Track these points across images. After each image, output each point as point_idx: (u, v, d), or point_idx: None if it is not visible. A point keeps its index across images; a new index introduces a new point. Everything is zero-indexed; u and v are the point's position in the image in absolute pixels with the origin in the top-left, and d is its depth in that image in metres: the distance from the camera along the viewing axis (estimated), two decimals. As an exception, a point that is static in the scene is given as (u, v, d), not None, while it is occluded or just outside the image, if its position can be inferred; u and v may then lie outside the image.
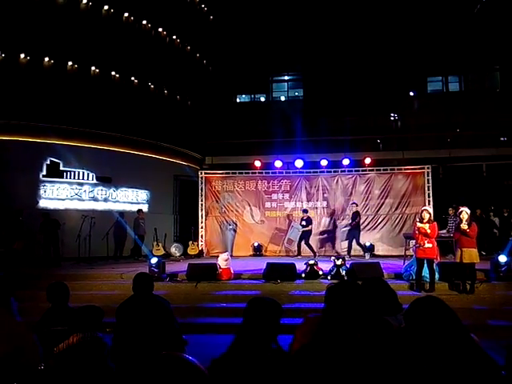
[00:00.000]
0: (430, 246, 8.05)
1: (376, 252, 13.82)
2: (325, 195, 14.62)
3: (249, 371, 2.09)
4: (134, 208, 14.66)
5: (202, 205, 14.86)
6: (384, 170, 14.61)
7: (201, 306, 8.04)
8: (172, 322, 4.16)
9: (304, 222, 13.31)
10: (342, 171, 14.72)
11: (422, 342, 1.95)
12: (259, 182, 14.91)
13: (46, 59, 13.62)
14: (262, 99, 23.61)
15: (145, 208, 15.21)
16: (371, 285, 2.77)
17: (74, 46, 13.81)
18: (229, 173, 15.17)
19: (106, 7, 14.88)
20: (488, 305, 7.62)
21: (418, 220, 8.46)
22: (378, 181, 14.41)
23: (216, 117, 20.47)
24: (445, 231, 11.58)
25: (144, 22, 16.08)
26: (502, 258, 8.63)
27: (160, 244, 13.72)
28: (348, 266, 9.15)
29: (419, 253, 8.15)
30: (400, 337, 2.27)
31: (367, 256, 12.88)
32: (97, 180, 14.38)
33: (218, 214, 14.93)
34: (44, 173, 13.49)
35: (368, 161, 14.60)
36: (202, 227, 14.82)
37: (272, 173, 15.02)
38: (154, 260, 9.35)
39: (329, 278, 9.03)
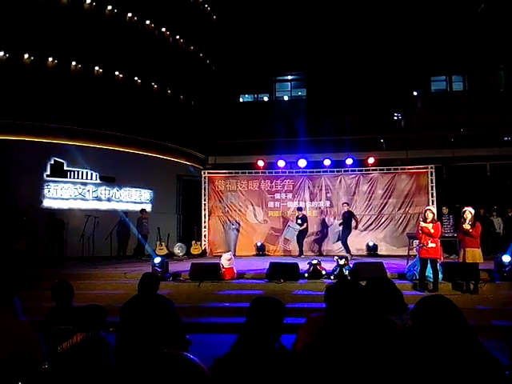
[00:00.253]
0: (434, 245, 8.02)
1: (379, 252, 13.80)
2: (328, 195, 14.61)
3: (252, 371, 2.09)
4: (138, 208, 14.70)
5: (205, 204, 14.87)
6: (387, 169, 14.58)
7: (204, 305, 8.05)
8: (176, 322, 4.16)
9: (300, 221, 13.31)
10: (345, 171, 14.71)
11: (428, 341, 1.94)
12: (262, 181, 14.91)
13: (50, 59, 13.67)
14: (265, 99, 23.61)
15: (148, 208, 15.24)
16: (376, 284, 2.77)
17: (78, 46, 13.85)
18: (232, 172, 15.18)
19: (109, 7, 14.91)
20: (492, 305, 7.59)
21: (421, 220, 8.44)
22: (381, 180, 14.38)
23: (219, 117, 20.49)
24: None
25: (147, 22, 16.11)
26: (506, 258, 8.60)
27: (163, 244, 13.75)
28: (351, 265, 9.14)
29: (422, 253, 8.13)
30: (404, 336, 2.27)
31: (349, 257, 12.47)
32: (100, 180, 14.42)
33: (221, 213, 14.94)
34: (48, 172, 13.54)
35: (371, 160, 14.58)
36: (205, 227, 14.83)
37: (275, 172, 15.02)
38: (157, 260, 9.36)
39: (332, 277, 9.02)
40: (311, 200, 14.63)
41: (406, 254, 11.21)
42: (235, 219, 14.79)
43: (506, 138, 19.65)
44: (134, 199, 15.32)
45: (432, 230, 7.99)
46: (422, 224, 8.16)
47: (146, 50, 15.66)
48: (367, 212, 14.36)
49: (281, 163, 14.88)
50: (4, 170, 12.69)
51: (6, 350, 2.65)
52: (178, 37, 17.39)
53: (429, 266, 8.18)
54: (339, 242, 13.56)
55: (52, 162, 13.58)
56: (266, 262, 9.75)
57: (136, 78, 15.68)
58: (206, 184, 14.93)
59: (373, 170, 14.56)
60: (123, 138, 14.85)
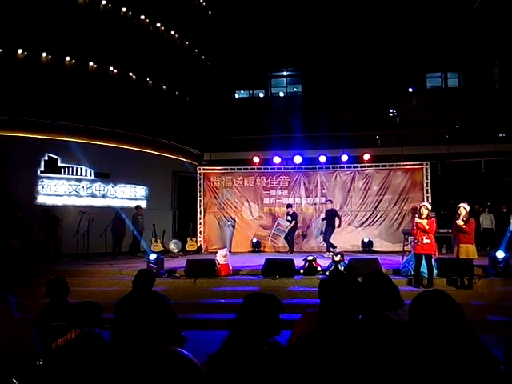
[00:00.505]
0: (429, 241, 8.06)
1: (374, 248, 13.83)
2: (323, 191, 14.61)
3: (245, 366, 2.09)
4: (133, 204, 14.65)
5: (200, 201, 14.84)
6: (383, 166, 14.61)
7: (199, 301, 8.05)
8: (171, 318, 4.16)
9: (289, 218, 13.32)
10: (340, 167, 14.72)
11: (426, 335, 1.95)
12: (258, 178, 14.89)
13: (44, 54, 13.56)
14: (261, 95, 23.57)
15: (143, 204, 15.20)
16: (373, 279, 2.77)
17: (72, 42, 13.75)
18: (227, 169, 15.15)
19: (103, 2, 14.80)
20: (486, 300, 7.64)
21: (416, 216, 8.47)
22: (376, 177, 14.41)
23: (215, 113, 20.44)
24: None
25: (142, 17, 16.00)
26: (500, 254, 8.65)
27: (158, 240, 13.72)
28: (346, 261, 9.16)
29: (417, 248, 8.17)
30: (400, 332, 2.27)
31: (328, 254, 11.99)
32: (95, 176, 14.36)
33: (216, 210, 14.91)
34: (42, 169, 13.46)
35: (367, 157, 14.60)
36: (200, 223, 14.81)
37: (271, 169, 15.00)
38: (152, 256, 9.34)
39: (327, 273, 9.04)
40: (307, 196, 14.64)
41: (401, 250, 11.25)
42: (231, 215, 14.77)
43: (500, 135, 19.74)
44: (128, 196, 15.27)
45: (427, 226, 8.02)
46: (417, 220, 8.19)
47: (141, 46, 15.56)
48: (362, 208, 14.39)
49: (276, 159, 14.87)
50: (-2, 166, 12.62)
51: (0, 347, 2.63)
52: (172, 32, 17.29)
53: (424, 261, 8.22)
54: (319, 238, 13.59)
55: (46, 158, 13.50)
56: (262, 259, 9.76)
57: (131, 74, 15.59)
58: (202, 180, 14.90)
59: (368, 166, 14.58)
60: (118, 134, 14.78)
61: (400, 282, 8.24)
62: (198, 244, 14.47)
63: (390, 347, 2.01)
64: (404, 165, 14.60)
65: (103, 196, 14.58)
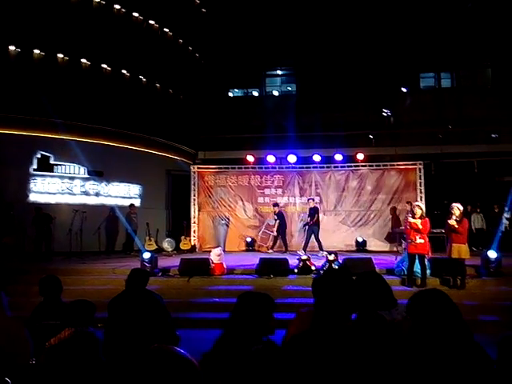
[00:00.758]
0: (422, 241, 8.10)
1: (368, 248, 13.88)
2: (318, 191, 14.64)
3: (239, 364, 2.09)
4: (126, 202, 14.59)
5: (194, 200, 14.82)
6: (376, 165, 14.66)
7: (193, 300, 8.05)
8: (165, 317, 4.15)
9: (275, 217, 13.34)
10: (334, 167, 14.76)
11: (423, 334, 1.96)
12: (252, 177, 14.89)
13: (37, 51, 13.46)
14: (255, 94, 23.54)
15: (137, 203, 15.14)
16: (366, 279, 2.77)
17: (65, 38, 13.65)
18: (221, 168, 15.13)
19: (97, -1, 14.72)
20: (478, 300, 7.69)
21: (410, 215, 8.51)
22: (370, 177, 14.46)
23: (209, 111, 20.39)
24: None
25: (135, 14, 15.92)
26: (492, 254, 8.71)
27: (152, 239, 13.69)
28: (340, 261, 9.19)
29: (411, 248, 8.21)
30: (394, 331, 2.28)
31: (323, 253, 11.95)
32: (88, 174, 14.28)
33: (210, 208, 14.90)
34: (34, 166, 13.37)
35: (361, 156, 14.65)
36: (194, 222, 14.79)
37: (265, 168, 15.01)
38: (146, 255, 9.32)
39: (321, 273, 9.05)
40: (301, 195, 14.66)
41: (395, 249, 11.30)
42: (225, 215, 14.76)
43: (493, 135, 19.84)
44: (122, 194, 15.19)
45: (420, 226, 8.06)
46: (411, 220, 8.22)
47: (134, 43, 15.48)
48: (356, 208, 14.44)
49: (271, 158, 14.87)
50: (-10, 164, 12.51)
51: (-8, 346, 2.61)
52: (166, 30, 17.22)
53: (417, 261, 8.25)
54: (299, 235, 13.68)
55: (39, 155, 13.40)
56: (256, 258, 9.77)
57: (124, 72, 15.51)
58: (196, 179, 14.88)
59: (362, 166, 14.63)
60: (111, 132, 14.70)
61: (393, 281, 8.27)
62: (192, 243, 14.45)
63: (383, 346, 2.02)
64: (398, 165, 14.66)
65: (96, 194, 14.51)
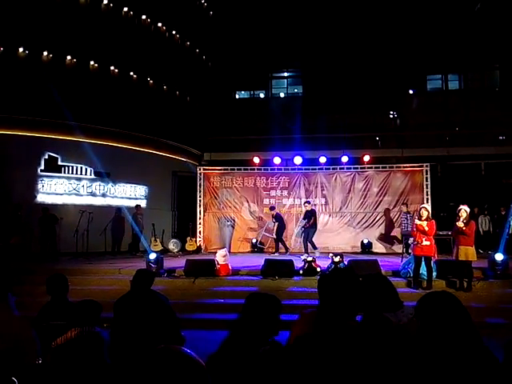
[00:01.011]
0: (428, 243, 8.07)
1: (374, 249, 13.85)
2: (323, 192, 14.63)
3: (246, 366, 2.10)
4: (132, 203, 14.65)
5: (200, 201, 14.85)
6: (383, 167, 14.62)
7: (198, 301, 8.06)
8: (170, 318, 4.16)
9: (273, 219, 13.34)
10: (340, 168, 14.73)
11: (431, 336, 1.96)
12: (258, 178, 14.90)
13: (45, 53, 13.56)
14: (262, 96, 23.55)
15: (143, 203, 15.20)
16: (372, 281, 2.77)
17: (73, 41, 13.74)
18: (227, 169, 15.16)
19: (105, 1, 14.80)
20: (485, 303, 7.65)
21: (416, 217, 8.48)
22: (376, 178, 14.42)
23: (215, 113, 20.43)
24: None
25: (143, 16, 16.00)
26: (499, 257, 8.66)
27: (158, 240, 13.73)
28: (346, 263, 9.17)
29: (417, 250, 8.18)
30: (399, 334, 2.28)
31: (317, 253, 12.09)
32: (95, 175, 14.36)
33: (216, 210, 14.92)
34: (42, 167, 13.45)
35: (367, 158, 14.61)
36: (200, 223, 14.81)
37: (271, 169, 15.01)
38: (152, 256, 9.34)
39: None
40: (307, 197, 14.63)
41: (401, 251, 11.25)
42: (230, 216, 14.78)
43: (500, 137, 19.72)
44: (128, 195, 15.26)
45: (426, 228, 8.03)
46: (417, 222, 8.19)
47: (142, 45, 15.56)
48: (362, 210, 14.40)
49: (276, 160, 14.88)
50: (-2, 165, 12.60)
51: (0, 345, 2.64)
52: (174, 32, 17.29)
53: (423, 263, 8.22)
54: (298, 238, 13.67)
55: (46, 156, 13.50)
56: (261, 259, 9.76)
57: (132, 74, 15.58)
58: (202, 180, 14.91)
59: (368, 167, 14.60)
60: (118, 134, 14.77)
61: (399, 283, 8.25)
62: (198, 244, 14.48)
63: (389, 349, 2.01)
64: (404, 166, 14.62)
65: (103, 195, 14.58)
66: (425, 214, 8.16)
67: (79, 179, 14.07)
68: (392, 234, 14.13)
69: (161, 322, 3.96)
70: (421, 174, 14.13)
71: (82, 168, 14.07)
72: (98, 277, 9.47)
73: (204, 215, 14.88)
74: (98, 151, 14.18)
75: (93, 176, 14.31)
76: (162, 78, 16.68)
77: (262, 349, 2.07)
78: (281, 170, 15.01)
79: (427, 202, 13.37)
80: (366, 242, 13.90)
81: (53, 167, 13.57)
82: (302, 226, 13.05)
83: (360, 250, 13.89)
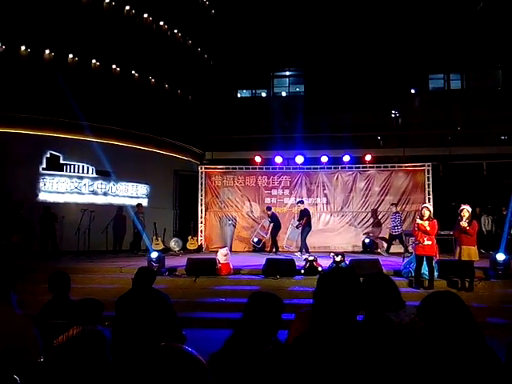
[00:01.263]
0: (430, 243, 8.05)
1: (375, 249, 13.83)
2: (325, 191, 14.62)
3: (250, 365, 2.09)
4: (134, 202, 14.64)
5: (201, 200, 14.85)
6: (384, 167, 14.60)
7: (200, 300, 8.05)
8: (171, 317, 4.16)
9: (269, 219, 13.34)
10: (342, 168, 14.72)
11: (434, 336, 1.95)
12: (259, 177, 14.89)
13: (47, 52, 13.57)
14: (263, 94, 23.56)
15: (144, 202, 15.20)
16: (374, 280, 2.76)
17: (75, 39, 13.75)
18: (229, 168, 15.15)
19: (107, 0, 14.81)
20: (487, 303, 7.63)
21: (417, 217, 8.47)
22: (378, 178, 14.41)
23: (217, 112, 20.43)
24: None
25: (145, 15, 16.01)
26: (500, 257, 8.65)
27: (159, 238, 13.72)
28: (347, 262, 9.16)
29: (418, 250, 8.17)
30: (401, 334, 2.27)
31: (300, 255, 11.93)
32: (97, 174, 14.36)
33: (217, 209, 14.93)
34: (44, 166, 13.46)
35: (368, 158, 14.60)
36: (201, 222, 14.82)
37: (272, 168, 15.00)
38: (154, 254, 9.34)
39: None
40: (308, 196, 14.63)
41: (402, 251, 11.24)
42: (231, 215, 14.78)
43: (502, 137, 19.69)
44: (130, 194, 15.26)
45: (428, 228, 8.02)
46: (419, 221, 8.18)
47: (144, 44, 15.56)
48: (364, 209, 14.39)
49: (278, 159, 14.86)
50: (0, 163, 12.61)
51: (2, 343, 2.64)
52: (176, 31, 17.29)
53: (424, 263, 8.21)
54: (289, 238, 13.70)
55: (48, 155, 13.50)
56: (262, 258, 9.76)
57: (133, 72, 15.59)
58: (203, 179, 14.91)
59: (370, 167, 14.58)
60: (120, 132, 14.78)
61: (401, 283, 8.24)
62: (199, 243, 14.48)
63: (391, 349, 2.01)
64: (406, 166, 14.60)
65: (105, 194, 14.59)
66: (426, 213, 8.15)
67: (81, 178, 14.08)
68: (381, 235, 14.12)
69: (162, 320, 3.96)
70: (422, 173, 14.12)
71: (83, 167, 14.08)
72: (100, 275, 9.47)
73: (205, 214, 14.88)
74: (100, 150, 14.18)
75: (94, 175, 14.32)
76: (163, 76, 16.68)
77: (265, 349, 2.07)
78: (282, 169, 14.99)
79: (429, 201, 13.36)
80: (367, 241, 13.89)
81: (55, 166, 13.58)
82: (296, 227, 13.04)
83: (361, 249, 13.88)
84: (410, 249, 12.53)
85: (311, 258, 9.31)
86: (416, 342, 2.08)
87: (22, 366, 2.59)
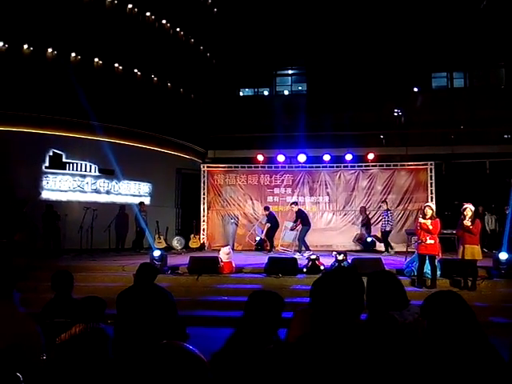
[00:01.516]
0: (432, 242, 8.03)
1: (377, 248, 13.81)
2: (327, 190, 14.60)
3: (251, 364, 2.09)
4: (136, 201, 14.66)
5: (204, 198, 14.86)
6: (387, 165, 14.58)
7: (202, 299, 8.07)
8: (174, 314, 4.16)
9: (266, 219, 13.31)
10: (344, 166, 14.70)
11: (437, 336, 1.95)
12: (261, 176, 14.89)
13: (50, 50, 13.58)
14: (266, 93, 23.53)
15: (147, 201, 15.21)
16: (380, 278, 2.75)
17: (78, 38, 13.76)
18: (231, 166, 15.15)
19: (109, -2, 14.83)
20: (489, 302, 7.61)
21: (420, 216, 8.45)
22: (380, 176, 14.38)
23: (219, 110, 20.41)
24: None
25: (148, 13, 16.00)
26: (503, 256, 8.62)
27: (162, 237, 13.75)
28: (349, 261, 9.15)
29: (421, 249, 8.15)
30: (405, 333, 2.27)
31: (299, 255, 11.72)
32: (99, 172, 14.38)
33: (219, 207, 14.93)
34: (47, 164, 13.49)
35: (371, 156, 14.57)
36: (203, 221, 14.83)
37: (274, 167, 15.00)
38: (156, 253, 9.36)
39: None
40: (310, 195, 14.63)
41: (405, 250, 11.23)
42: (234, 213, 14.78)
43: (505, 136, 19.62)
44: (132, 192, 15.29)
45: (430, 227, 7.99)
46: (421, 220, 8.17)
47: (146, 43, 15.56)
48: (366, 208, 14.36)
49: (280, 158, 14.86)
50: (3, 162, 12.63)
51: (4, 341, 2.64)
52: (178, 29, 17.29)
53: (427, 262, 8.19)
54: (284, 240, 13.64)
55: (51, 153, 13.53)
56: (265, 257, 9.77)
57: (136, 71, 15.60)
58: (205, 178, 14.92)
59: (372, 165, 14.56)
60: (123, 131, 14.79)
61: (403, 282, 8.13)
62: (201, 241, 14.50)
63: (395, 348, 2.00)
64: (408, 165, 14.57)
65: (107, 192, 14.61)
66: (429, 212, 8.13)
67: (83, 176, 14.10)
68: (372, 233, 14.11)
69: (164, 316, 3.96)
70: (425, 172, 14.08)
71: (86, 165, 14.10)
72: (102, 274, 9.49)
73: (208, 213, 14.89)
74: (103, 148, 14.20)
75: (97, 173, 14.35)
76: (166, 75, 16.68)
77: (267, 347, 2.07)
78: (285, 167, 14.98)
79: (431, 200, 13.33)
80: (369, 240, 13.87)
81: (57, 164, 13.61)
82: (290, 229, 13.01)
83: (363, 248, 13.86)
84: (391, 251, 12.58)
85: (313, 257, 9.31)
86: (419, 342, 2.08)
87: (24, 364, 2.59)
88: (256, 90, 23.73)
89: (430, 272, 8.20)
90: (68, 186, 13.80)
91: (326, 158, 14.64)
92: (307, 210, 14.35)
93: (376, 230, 14.08)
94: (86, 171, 14.12)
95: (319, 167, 14.81)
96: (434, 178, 13.92)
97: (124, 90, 14.82)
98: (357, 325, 1.95)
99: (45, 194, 13.39)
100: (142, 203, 14.24)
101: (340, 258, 9.12)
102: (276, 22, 20.05)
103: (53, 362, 2.44)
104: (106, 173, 14.46)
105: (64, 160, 13.72)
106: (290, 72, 23.57)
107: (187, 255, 10.72)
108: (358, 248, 13.92)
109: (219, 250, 9.93)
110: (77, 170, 13.95)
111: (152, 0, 16.00)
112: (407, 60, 19.70)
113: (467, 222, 7.72)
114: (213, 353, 2.32)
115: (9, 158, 12.72)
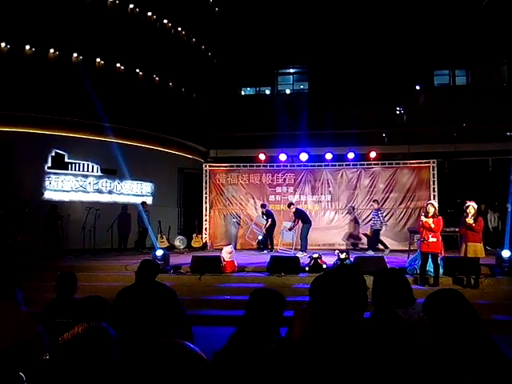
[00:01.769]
0: (435, 240, 8.02)
1: (380, 246, 13.78)
2: (329, 189, 14.59)
3: (253, 363, 2.09)
4: (139, 200, 14.67)
5: (206, 198, 14.86)
6: (389, 164, 14.55)
7: (204, 298, 8.08)
8: (178, 311, 4.15)
9: (265, 217, 13.29)
10: (346, 165, 14.68)
11: (440, 334, 1.95)
12: (263, 175, 14.88)
13: (51, 51, 13.61)
14: (267, 92, 23.51)
15: (149, 200, 15.23)
16: (386, 275, 2.74)
17: (79, 38, 13.77)
18: (233, 166, 15.15)
19: (111, -2, 14.84)
20: (492, 299, 7.60)
21: (422, 214, 8.44)
22: (382, 175, 14.36)
23: (221, 109, 20.42)
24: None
25: (149, 13, 16.01)
26: (506, 253, 8.61)
27: (164, 236, 13.77)
28: (352, 259, 9.15)
29: (423, 247, 8.14)
30: (410, 331, 2.26)
31: (302, 253, 11.77)
32: (101, 172, 14.41)
33: (222, 206, 14.93)
34: (49, 164, 13.52)
35: (373, 155, 14.54)
36: (206, 220, 14.83)
37: (276, 166, 14.99)
38: (159, 252, 9.38)
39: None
40: (312, 194, 14.62)
41: (407, 248, 11.21)
42: (236, 212, 14.79)
43: (508, 133, 19.56)
44: (135, 192, 15.30)
45: (433, 225, 7.98)
46: (423, 219, 8.15)
47: (148, 42, 15.57)
48: (368, 206, 14.33)
49: (282, 157, 14.84)
50: (5, 162, 12.67)
51: (8, 341, 2.66)
52: (179, 29, 17.29)
53: (430, 260, 8.19)
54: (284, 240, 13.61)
55: (53, 153, 13.56)
56: (267, 256, 9.77)
57: (137, 70, 15.60)
58: (207, 177, 14.92)
59: (374, 164, 14.53)
60: (125, 131, 14.81)
61: (406, 280, 8.20)
62: (204, 240, 14.50)
63: (399, 346, 2.00)
64: (411, 163, 14.54)
65: (110, 192, 14.63)
66: (431, 210, 8.12)
67: (86, 176, 14.13)
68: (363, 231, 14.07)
69: (166, 313, 3.95)
70: (427, 170, 14.05)
71: (88, 165, 14.12)
72: (105, 273, 9.51)
73: (210, 212, 14.89)
74: (105, 148, 14.23)
75: (99, 173, 14.37)
76: (167, 74, 16.68)
77: (268, 347, 2.07)
78: (286, 166, 14.98)
79: (434, 198, 13.30)
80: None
81: (60, 164, 13.63)
82: (288, 229, 12.98)
83: (366, 246, 13.83)
84: (386, 251, 12.55)
85: (316, 256, 9.30)
86: (422, 340, 2.07)
87: (27, 364, 2.60)
88: (258, 88, 23.72)
89: (432, 270, 8.19)
90: (70, 186, 13.83)
91: (328, 156, 14.61)
92: (309, 208, 14.36)
93: (366, 229, 14.02)
94: (88, 171, 14.15)
95: (321, 166, 14.79)
96: (436, 175, 13.88)
97: (126, 90, 14.84)
98: (360, 323, 1.95)
99: (47, 195, 13.43)
100: (144, 203, 14.26)
101: (342, 256, 9.11)
102: (277, 20, 20.03)
103: (56, 362, 2.44)
104: (109, 173, 14.49)
105: (66, 160, 13.75)
106: (291, 71, 23.54)
107: (189, 254, 10.73)
108: (361, 247, 13.89)
109: (221, 249, 9.93)
110: (79, 170, 13.98)
111: (153, 0, 16.00)
112: (409, 58, 19.66)
113: (470, 220, 7.70)
114: (215, 351, 2.33)
115: (11, 158, 12.76)
